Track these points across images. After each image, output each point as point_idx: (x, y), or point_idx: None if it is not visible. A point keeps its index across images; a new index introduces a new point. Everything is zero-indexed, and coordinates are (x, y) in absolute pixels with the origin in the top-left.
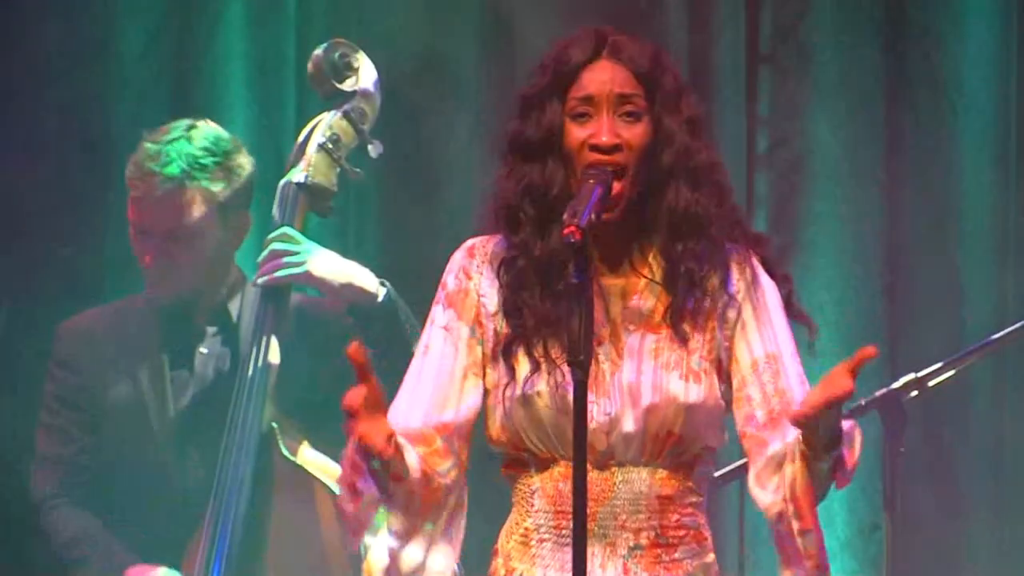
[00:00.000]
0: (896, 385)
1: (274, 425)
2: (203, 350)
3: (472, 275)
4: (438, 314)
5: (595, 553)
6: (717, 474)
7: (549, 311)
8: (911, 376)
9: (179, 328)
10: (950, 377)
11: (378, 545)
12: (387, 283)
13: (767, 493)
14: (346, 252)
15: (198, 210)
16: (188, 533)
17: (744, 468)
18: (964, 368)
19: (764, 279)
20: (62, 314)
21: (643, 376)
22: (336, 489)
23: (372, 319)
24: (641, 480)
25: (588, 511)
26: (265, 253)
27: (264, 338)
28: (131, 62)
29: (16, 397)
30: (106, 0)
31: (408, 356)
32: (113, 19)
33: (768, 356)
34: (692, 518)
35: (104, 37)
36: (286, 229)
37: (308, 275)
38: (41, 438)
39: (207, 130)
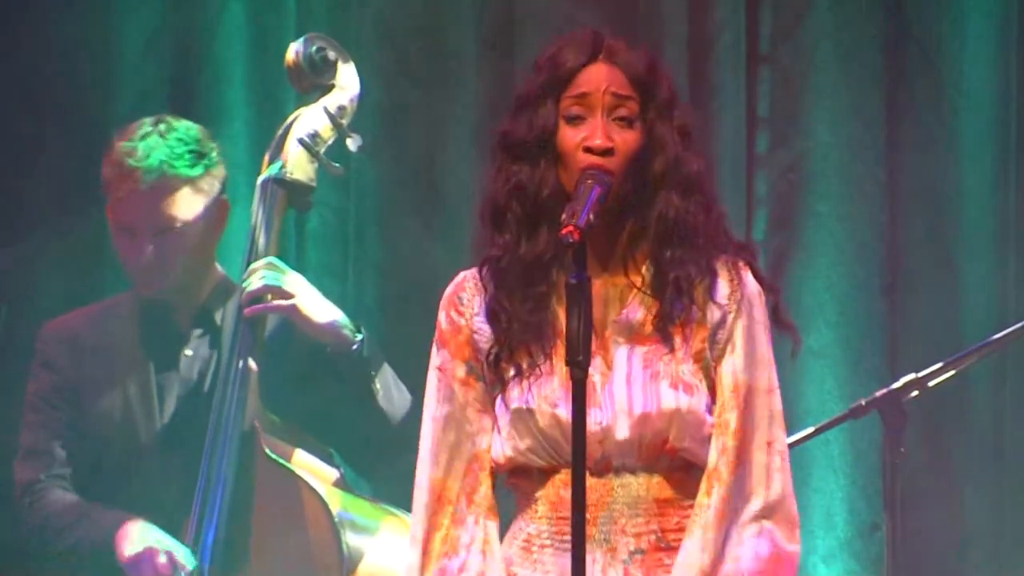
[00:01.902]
0: (896, 385)
1: (256, 424)
2: (188, 352)
3: (463, 310)
4: (433, 355)
5: (596, 559)
6: None
7: (530, 316)
8: (911, 376)
9: (163, 330)
10: (950, 377)
11: None
12: (363, 330)
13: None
14: (346, 252)
15: (182, 198)
16: (173, 534)
17: None
18: (964, 368)
19: (752, 295)
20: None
21: (634, 386)
22: (320, 490)
23: (346, 364)
24: (639, 484)
25: (588, 516)
26: (252, 281)
27: (247, 334)
28: (131, 62)
29: (16, 397)
30: (106, 0)
31: (371, 407)
32: (113, 19)
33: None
34: None
35: (104, 37)
36: (272, 259)
37: (294, 308)
38: (25, 435)
39: (175, 122)
